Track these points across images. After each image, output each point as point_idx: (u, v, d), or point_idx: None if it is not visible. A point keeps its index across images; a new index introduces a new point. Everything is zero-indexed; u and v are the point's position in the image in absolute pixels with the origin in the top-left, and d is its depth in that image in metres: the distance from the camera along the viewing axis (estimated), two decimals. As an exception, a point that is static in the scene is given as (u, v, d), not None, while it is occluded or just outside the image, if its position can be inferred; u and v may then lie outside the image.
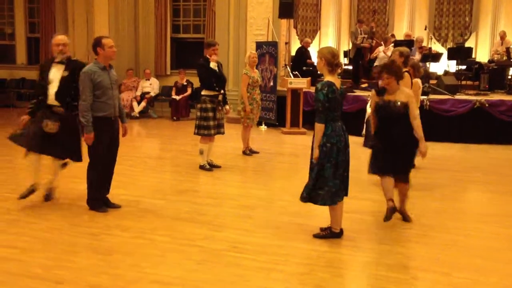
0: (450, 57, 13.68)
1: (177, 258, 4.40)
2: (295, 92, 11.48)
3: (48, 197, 5.97)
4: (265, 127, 12.12)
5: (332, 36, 15.97)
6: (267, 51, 12.18)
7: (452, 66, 13.89)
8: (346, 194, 4.87)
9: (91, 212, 5.57)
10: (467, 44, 14.57)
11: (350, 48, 14.73)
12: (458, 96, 11.21)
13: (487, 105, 10.51)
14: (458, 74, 13.17)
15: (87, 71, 5.41)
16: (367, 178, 7.12)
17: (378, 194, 6.44)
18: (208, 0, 14.25)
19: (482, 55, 14.74)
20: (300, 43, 14.54)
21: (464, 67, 13.71)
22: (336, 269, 4.29)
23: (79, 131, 5.65)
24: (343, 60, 14.43)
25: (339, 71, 4.82)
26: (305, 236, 4.96)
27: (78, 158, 5.81)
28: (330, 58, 4.68)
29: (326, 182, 4.69)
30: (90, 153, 5.55)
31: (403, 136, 5.19)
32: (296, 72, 12.54)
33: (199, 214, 5.60)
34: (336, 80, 4.70)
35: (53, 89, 5.61)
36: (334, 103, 4.63)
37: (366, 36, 14.03)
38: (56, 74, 5.64)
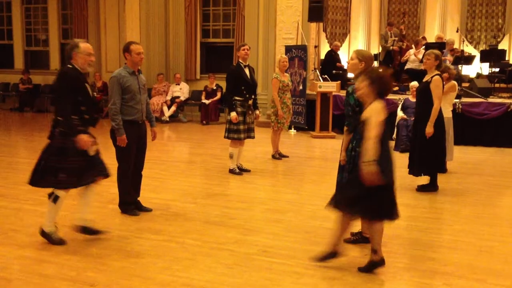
0: (482, 60, 13.44)
1: (207, 262, 4.42)
2: (324, 96, 11.45)
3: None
4: (295, 131, 12.10)
5: (362, 40, 15.84)
6: (297, 54, 12.17)
7: (485, 68, 13.64)
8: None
9: (123, 216, 5.65)
10: (500, 46, 14.29)
11: (380, 51, 14.62)
12: (491, 99, 11.01)
13: (521, 108, 10.32)
14: (491, 77, 12.93)
15: (116, 76, 5.48)
16: (398, 183, 7.04)
17: (409, 199, 6.39)
18: (237, 5, 14.33)
19: (516, 57, 14.45)
20: (330, 47, 14.49)
21: (497, 69, 13.46)
22: (367, 275, 4.23)
23: None
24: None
25: None
26: (335, 240, 4.92)
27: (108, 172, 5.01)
28: (371, 63, 4.68)
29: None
30: (119, 157, 5.61)
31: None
32: (326, 76, 12.49)
33: (229, 218, 5.63)
34: (367, 84, 4.66)
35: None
36: (365, 106, 4.60)
37: (396, 39, 13.91)
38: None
